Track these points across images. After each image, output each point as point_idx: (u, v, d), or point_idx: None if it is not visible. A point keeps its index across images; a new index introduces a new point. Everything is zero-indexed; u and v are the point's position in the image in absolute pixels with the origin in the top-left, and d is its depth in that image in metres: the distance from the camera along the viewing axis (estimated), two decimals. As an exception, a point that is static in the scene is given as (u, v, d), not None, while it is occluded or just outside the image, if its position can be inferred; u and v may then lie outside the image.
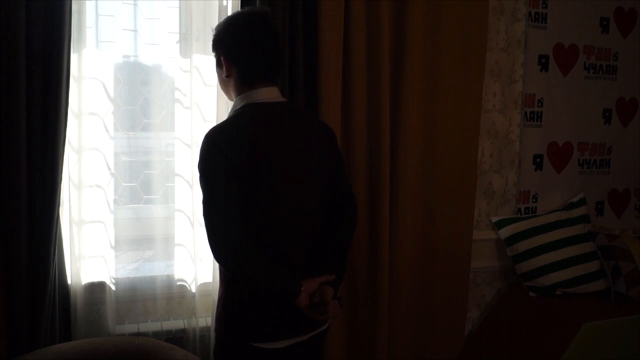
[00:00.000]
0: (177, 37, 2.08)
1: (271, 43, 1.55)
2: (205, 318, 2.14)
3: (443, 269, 2.42)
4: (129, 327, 2.10)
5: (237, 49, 1.55)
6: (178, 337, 2.12)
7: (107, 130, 2.00)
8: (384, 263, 2.24)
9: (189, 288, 2.16)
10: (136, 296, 2.13)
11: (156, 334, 2.09)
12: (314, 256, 1.60)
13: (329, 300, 1.52)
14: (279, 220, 1.52)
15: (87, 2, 1.90)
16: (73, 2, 1.83)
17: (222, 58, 1.57)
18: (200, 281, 2.11)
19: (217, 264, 2.06)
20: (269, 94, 1.56)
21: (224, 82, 1.62)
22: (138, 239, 2.18)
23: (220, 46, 1.58)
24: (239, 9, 2.00)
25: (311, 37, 2.07)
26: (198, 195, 2.05)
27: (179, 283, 2.16)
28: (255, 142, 1.48)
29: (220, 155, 1.44)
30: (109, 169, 2.02)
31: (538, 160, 2.70)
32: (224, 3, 2.05)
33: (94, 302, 2.04)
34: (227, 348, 1.57)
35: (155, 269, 2.17)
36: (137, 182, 2.15)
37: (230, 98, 1.65)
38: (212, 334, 2.09)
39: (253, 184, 1.47)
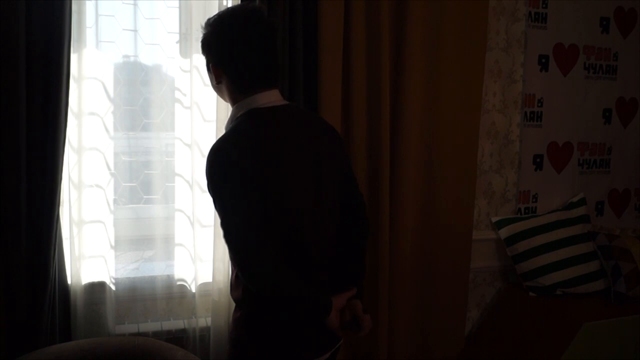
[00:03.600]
0: (177, 37, 2.08)
1: (266, 44, 1.40)
2: (205, 318, 2.13)
3: (443, 269, 2.41)
4: (129, 327, 2.10)
5: (227, 56, 1.39)
6: (178, 337, 2.12)
7: (107, 130, 2.00)
8: (384, 263, 2.24)
9: (189, 288, 2.16)
10: (136, 296, 2.13)
11: (156, 334, 2.09)
12: (333, 268, 1.50)
13: (361, 315, 1.44)
14: (299, 231, 1.40)
15: (87, 2, 1.90)
16: (73, 2, 1.83)
17: (210, 65, 1.43)
18: (200, 281, 2.11)
19: (217, 264, 2.07)
20: (268, 98, 1.41)
21: (216, 87, 1.49)
22: (138, 239, 2.18)
23: (208, 51, 1.43)
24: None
25: (311, 37, 2.07)
26: (198, 195, 2.06)
27: (179, 283, 2.16)
28: (265, 149, 1.35)
29: (233, 166, 1.30)
30: (109, 169, 2.02)
31: (538, 160, 2.69)
32: (224, 3, 2.05)
33: (94, 302, 2.04)
34: None
35: (155, 269, 2.17)
36: (137, 182, 2.15)
37: (226, 101, 1.51)
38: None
39: (269, 193, 1.34)
